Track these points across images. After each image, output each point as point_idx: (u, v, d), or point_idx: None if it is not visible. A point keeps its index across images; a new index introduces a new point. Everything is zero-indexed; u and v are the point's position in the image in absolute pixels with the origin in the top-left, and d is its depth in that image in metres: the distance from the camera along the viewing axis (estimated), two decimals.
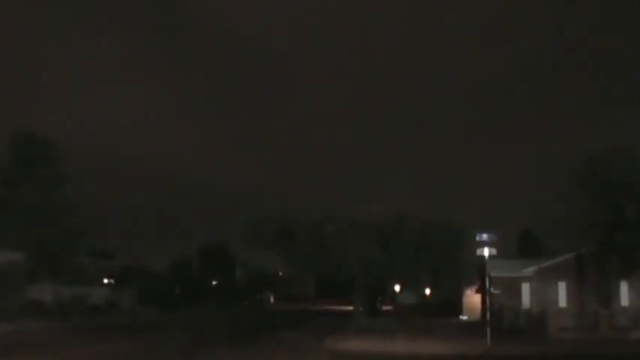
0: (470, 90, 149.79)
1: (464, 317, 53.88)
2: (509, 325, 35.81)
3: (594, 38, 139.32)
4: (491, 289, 28.97)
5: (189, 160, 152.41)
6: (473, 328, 36.33)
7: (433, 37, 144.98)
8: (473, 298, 51.88)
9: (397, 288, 60.06)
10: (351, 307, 42.35)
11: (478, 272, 41.25)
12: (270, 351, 23.83)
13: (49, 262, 42.26)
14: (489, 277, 31.07)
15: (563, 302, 36.65)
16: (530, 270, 38.02)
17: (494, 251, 26.13)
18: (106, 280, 69.19)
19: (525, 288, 38.99)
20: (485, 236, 25.93)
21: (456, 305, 57.33)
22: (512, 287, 38.10)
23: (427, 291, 62.18)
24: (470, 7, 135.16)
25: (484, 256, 26.29)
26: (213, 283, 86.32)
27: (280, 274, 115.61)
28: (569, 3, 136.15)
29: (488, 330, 24.79)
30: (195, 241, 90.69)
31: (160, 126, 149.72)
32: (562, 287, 36.94)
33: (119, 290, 59.39)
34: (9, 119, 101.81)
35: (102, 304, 50.62)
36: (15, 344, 23.86)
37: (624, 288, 35.81)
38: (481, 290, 43.46)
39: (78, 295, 47.26)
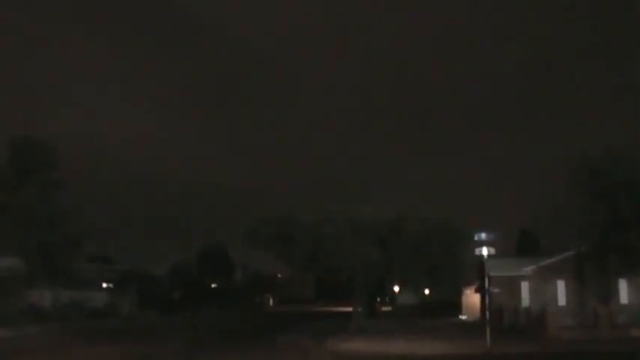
0: (470, 90, 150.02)
1: (463, 317, 53.90)
2: (508, 324, 35.84)
3: (594, 38, 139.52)
4: (491, 289, 28.97)
5: (188, 162, 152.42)
6: (472, 328, 36.34)
7: (433, 37, 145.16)
8: (472, 298, 51.90)
9: (396, 288, 60.14)
10: (350, 309, 42.27)
11: (477, 272, 41.29)
12: (270, 353, 23.82)
13: (49, 267, 42.18)
14: (488, 276, 31.07)
15: (562, 301, 36.68)
16: (529, 269, 38.05)
17: (493, 251, 26.09)
18: (105, 285, 69.18)
19: (524, 287, 39.02)
20: (484, 236, 25.89)
21: (455, 305, 57.35)
22: (511, 286, 38.13)
23: (426, 291, 62.26)
24: (470, 7, 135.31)
25: (483, 256, 26.24)
26: (213, 286, 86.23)
27: (279, 276, 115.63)
28: (569, 3, 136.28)
29: (487, 329, 24.78)
30: (195, 243, 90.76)
31: (160, 128, 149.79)
32: (561, 286, 36.97)
33: (118, 294, 59.32)
34: (8, 124, 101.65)
35: (101, 309, 50.57)
36: (15, 349, 23.85)
37: (623, 286, 35.84)
38: (480, 290, 43.49)
39: (77, 299, 47.24)
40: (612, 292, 34.51)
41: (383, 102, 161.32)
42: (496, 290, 31.76)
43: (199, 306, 68.72)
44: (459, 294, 56.01)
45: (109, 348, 24.56)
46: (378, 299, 73.13)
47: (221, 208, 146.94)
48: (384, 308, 71.57)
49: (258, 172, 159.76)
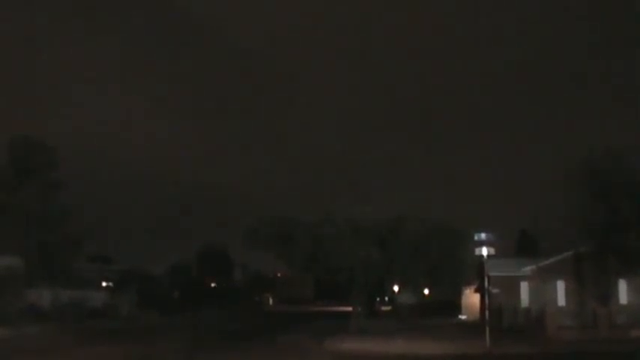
0: (470, 91, 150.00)
1: (463, 317, 53.90)
2: (508, 324, 35.83)
3: (593, 37, 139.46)
4: (490, 289, 28.98)
5: (188, 162, 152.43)
6: (472, 328, 36.35)
7: (433, 37, 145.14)
8: (472, 298, 51.90)
9: (396, 288, 60.12)
10: (349, 308, 42.27)
11: (477, 272, 41.30)
12: (270, 353, 23.83)
13: (48, 266, 42.16)
14: (488, 276, 31.08)
15: (561, 301, 36.67)
16: (528, 269, 38.05)
17: (492, 251, 26.10)
18: (104, 284, 69.11)
19: (524, 287, 39.03)
20: (483, 236, 25.90)
21: (454, 305, 57.33)
22: (511, 286, 38.13)
23: (426, 291, 62.23)
24: (471, 8, 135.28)
25: (483, 256, 26.26)
26: (212, 285, 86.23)
27: (279, 275, 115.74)
28: (569, 3, 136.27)
29: (487, 329, 24.80)
30: (195, 242, 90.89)
31: (160, 128, 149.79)
32: (561, 286, 36.96)
33: (118, 294, 59.28)
34: (8, 123, 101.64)
35: (101, 308, 50.53)
36: (14, 349, 23.84)
37: (623, 286, 35.84)
38: (480, 290, 43.49)
39: (76, 299, 47.20)
40: (612, 293, 34.48)
41: (383, 102, 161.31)
42: (495, 290, 31.74)
43: (199, 306, 68.71)
44: (458, 294, 56.00)
45: (109, 348, 24.56)
46: (378, 299, 73.08)
47: (221, 208, 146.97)
48: (384, 308, 71.53)
49: (258, 172, 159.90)
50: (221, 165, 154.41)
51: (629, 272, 33.54)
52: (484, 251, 25.84)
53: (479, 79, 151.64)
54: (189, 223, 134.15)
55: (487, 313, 26.60)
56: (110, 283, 70.47)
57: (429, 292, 63.38)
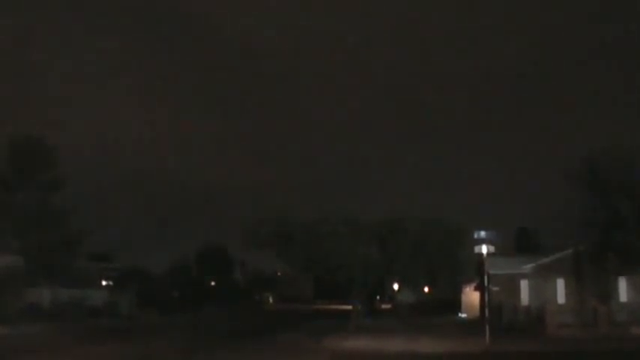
0: (470, 90, 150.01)
1: (463, 315, 53.96)
2: (508, 322, 35.86)
3: (593, 38, 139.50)
4: (490, 287, 29.01)
5: (188, 162, 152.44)
6: (472, 326, 36.37)
7: (433, 37, 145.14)
8: (471, 296, 51.95)
9: (396, 287, 60.20)
10: (349, 307, 42.32)
11: (477, 270, 41.35)
12: (270, 351, 23.84)
13: (48, 266, 42.17)
14: (488, 274, 31.12)
15: (561, 299, 36.72)
16: (528, 267, 38.08)
17: (492, 249, 26.14)
18: (104, 283, 69.17)
19: (524, 285, 39.05)
20: (483, 234, 25.93)
21: (454, 303, 57.42)
22: (510, 284, 38.16)
23: (426, 289, 62.33)
24: (471, 6, 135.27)
25: (482, 254, 26.29)
26: (212, 285, 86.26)
27: (279, 274, 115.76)
28: (569, 3, 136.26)
29: (487, 327, 24.83)
30: (195, 242, 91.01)
31: (160, 128, 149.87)
32: (560, 284, 37.01)
33: (118, 293, 59.29)
34: (8, 124, 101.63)
35: (101, 307, 50.53)
36: (14, 348, 23.85)
37: (623, 284, 35.89)
38: (480, 288, 43.53)
39: (76, 298, 47.20)
40: (612, 291, 34.53)
41: (383, 102, 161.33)
42: (495, 288, 31.81)
43: (199, 305, 68.73)
44: (458, 292, 56.09)
45: (109, 347, 24.58)
46: (378, 297, 73.19)
47: (221, 208, 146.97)
48: (384, 306, 71.65)
49: (258, 171, 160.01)
50: (222, 165, 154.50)
51: (629, 270, 33.60)
52: (484, 249, 25.88)
53: (479, 79, 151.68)
54: (189, 223, 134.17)
55: (487, 311, 26.64)
56: (110, 282, 70.54)
57: (429, 291, 63.47)
